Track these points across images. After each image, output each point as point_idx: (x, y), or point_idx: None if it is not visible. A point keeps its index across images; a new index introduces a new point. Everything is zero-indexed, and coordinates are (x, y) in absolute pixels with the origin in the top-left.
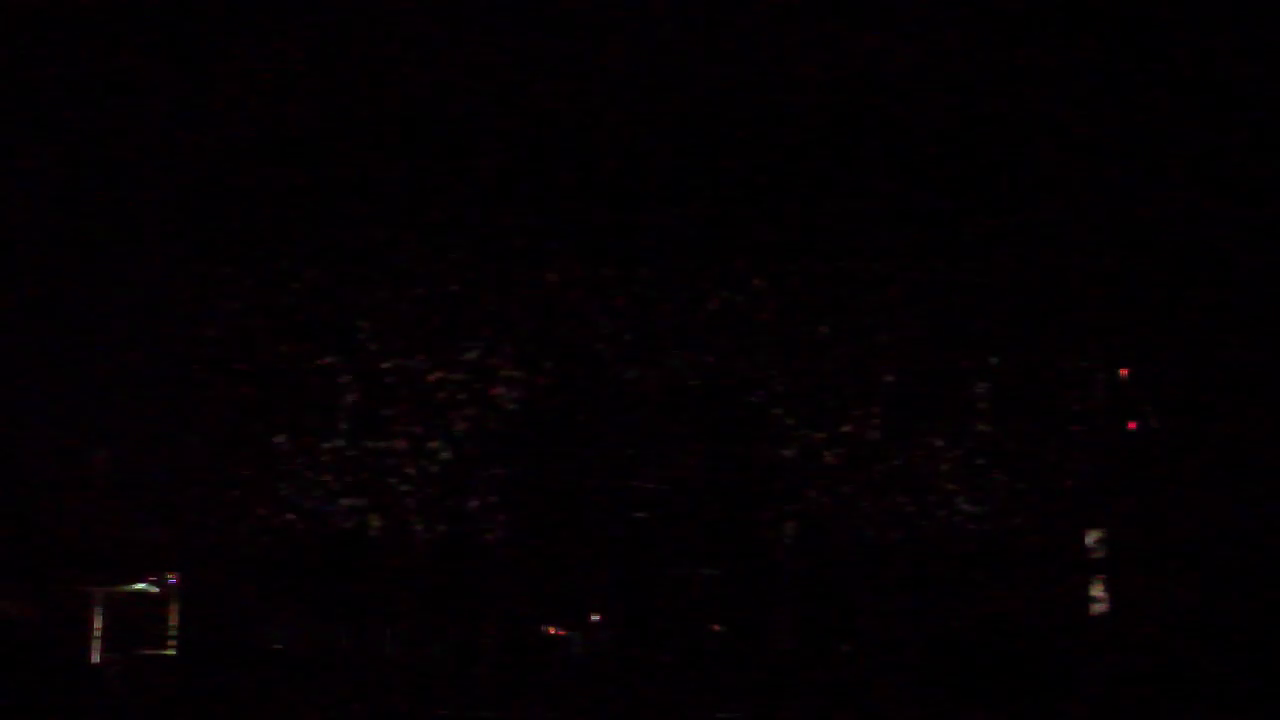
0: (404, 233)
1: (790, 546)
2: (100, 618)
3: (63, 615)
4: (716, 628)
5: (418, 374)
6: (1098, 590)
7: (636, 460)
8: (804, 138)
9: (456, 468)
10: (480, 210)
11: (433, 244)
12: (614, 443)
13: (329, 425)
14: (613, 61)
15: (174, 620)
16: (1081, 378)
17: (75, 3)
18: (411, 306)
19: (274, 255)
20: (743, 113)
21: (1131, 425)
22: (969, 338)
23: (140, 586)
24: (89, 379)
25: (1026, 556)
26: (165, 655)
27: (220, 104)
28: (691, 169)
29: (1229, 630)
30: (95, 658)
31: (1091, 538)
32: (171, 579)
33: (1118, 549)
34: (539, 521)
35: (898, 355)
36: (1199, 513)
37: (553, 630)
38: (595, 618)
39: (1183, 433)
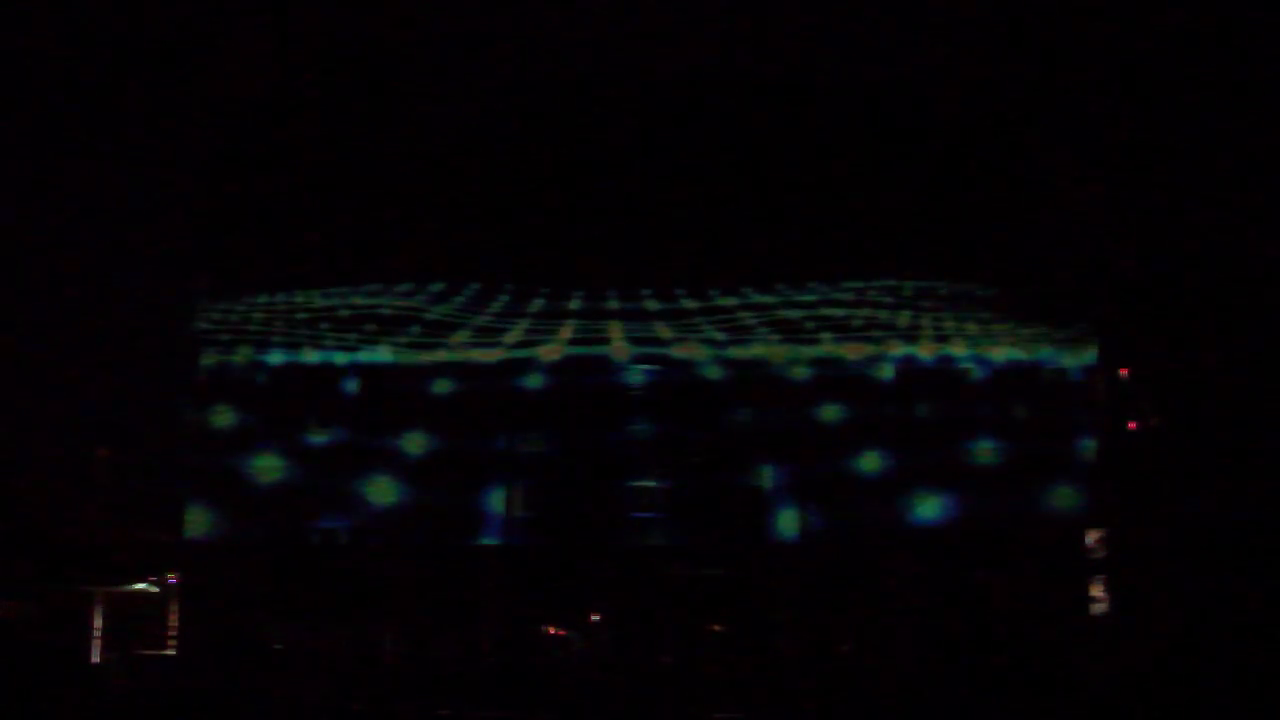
0: (397, 235)
1: (791, 547)
2: (100, 618)
3: (63, 615)
4: (716, 628)
5: (418, 375)
6: (1098, 590)
7: (637, 461)
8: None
9: (456, 468)
10: (474, 215)
11: (427, 246)
12: (615, 444)
13: (328, 425)
14: (614, 60)
15: (174, 620)
16: (1081, 378)
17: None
18: (410, 307)
19: (275, 261)
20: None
21: (1131, 425)
22: (968, 338)
23: (140, 586)
24: (89, 379)
25: (1026, 556)
26: (165, 655)
27: (219, 109)
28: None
29: (1229, 630)
30: (95, 658)
31: (1091, 538)
32: (171, 579)
33: (1118, 549)
34: (540, 522)
35: (897, 357)
36: (1199, 512)
37: (553, 630)
38: (595, 618)
39: (1183, 433)
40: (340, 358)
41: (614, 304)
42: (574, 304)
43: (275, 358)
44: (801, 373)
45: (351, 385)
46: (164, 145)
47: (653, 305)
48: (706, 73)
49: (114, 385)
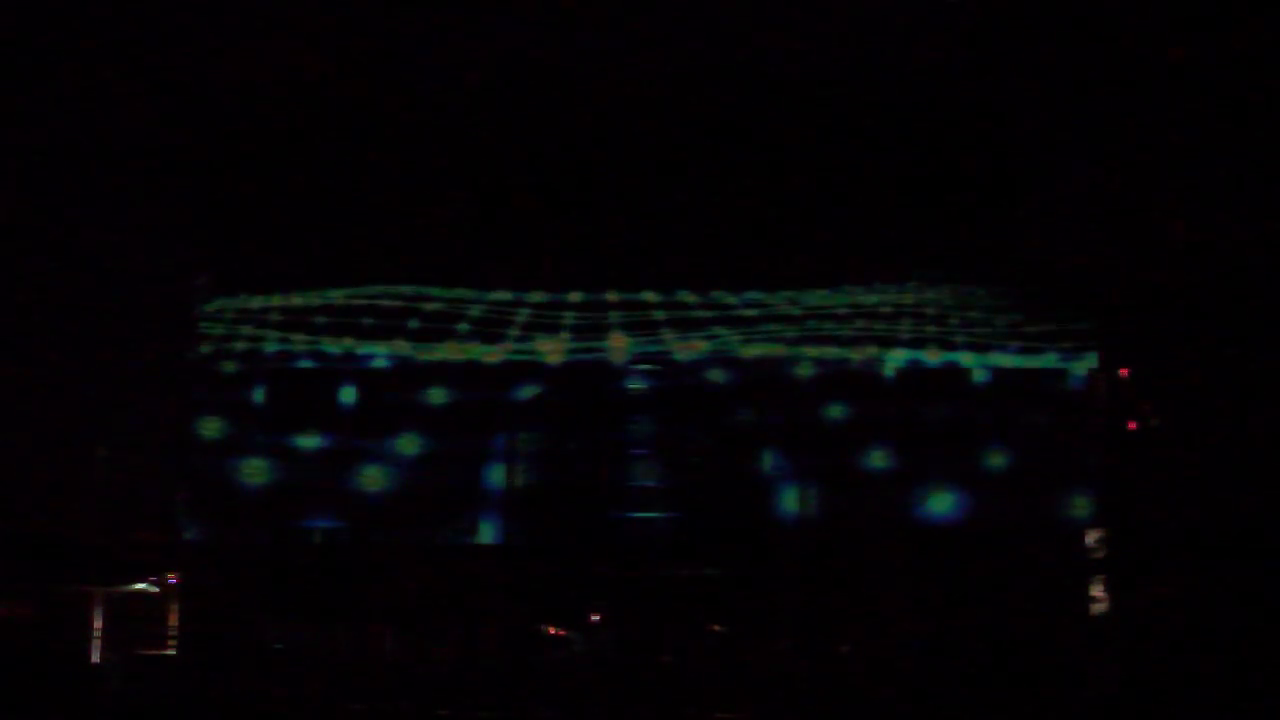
0: (392, 235)
1: (789, 545)
2: (100, 618)
3: (63, 615)
4: (716, 628)
5: (419, 374)
6: (1098, 590)
7: (637, 460)
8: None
9: (456, 468)
10: (470, 214)
11: (422, 246)
12: (614, 442)
13: (329, 425)
14: (605, 59)
15: (174, 620)
16: (1082, 378)
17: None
18: (408, 307)
19: (274, 260)
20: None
21: (1131, 425)
22: (969, 337)
23: (140, 586)
24: (89, 379)
25: (1027, 556)
26: (165, 655)
27: (219, 105)
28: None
29: (1229, 630)
30: (95, 658)
31: (1091, 538)
32: (171, 579)
33: (1118, 549)
34: (539, 522)
35: (898, 355)
36: (1199, 512)
37: (553, 630)
38: (595, 618)
39: (1183, 433)
40: (338, 357)
41: (614, 303)
42: (573, 303)
43: (274, 357)
44: (804, 373)
45: (350, 385)
46: (163, 147)
47: (654, 305)
48: (704, 72)
49: (114, 385)
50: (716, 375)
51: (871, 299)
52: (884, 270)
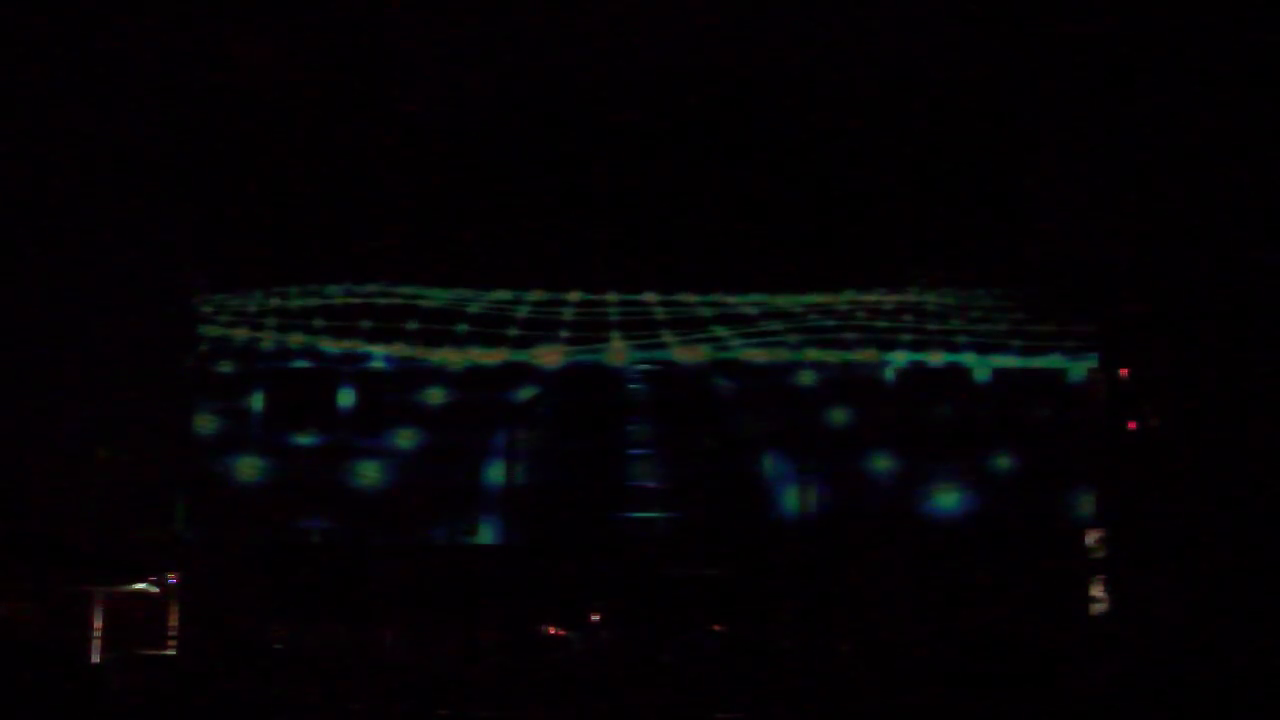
0: (392, 235)
1: (790, 545)
2: (100, 618)
3: (63, 615)
4: (717, 628)
5: (419, 374)
6: (1098, 590)
7: (637, 460)
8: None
9: (456, 468)
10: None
11: (422, 246)
12: (614, 443)
13: (329, 426)
14: (613, 58)
15: (174, 620)
16: (1082, 378)
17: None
18: (408, 308)
19: (273, 260)
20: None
21: (1131, 425)
22: (969, 337)
23: (140, 586)
24: (89, 379)
25: (1027, 556)
26: (165, 655)
27: (219, 105)
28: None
29: (1228, 629)
30: (95, 658)
31: (1091, 538)
32: (171, 579)
33: (1118, 549)
34: (538, 522)
35: (900, 356)
36: (1198, 512)
37: (553, 630)
38: (595, 618)
39: (1183, 433)
40: (338, 357)
41: (613, 304)
42: (572, 304)
43: (273, 356)
44: (806, 374)
45: (349, 385)
46: (162, 147)
47: (654, 306)
48: (706, 73)
49: (114, 385)
50: (717, 376)
51: (873, 300)
52: (886, 272)
